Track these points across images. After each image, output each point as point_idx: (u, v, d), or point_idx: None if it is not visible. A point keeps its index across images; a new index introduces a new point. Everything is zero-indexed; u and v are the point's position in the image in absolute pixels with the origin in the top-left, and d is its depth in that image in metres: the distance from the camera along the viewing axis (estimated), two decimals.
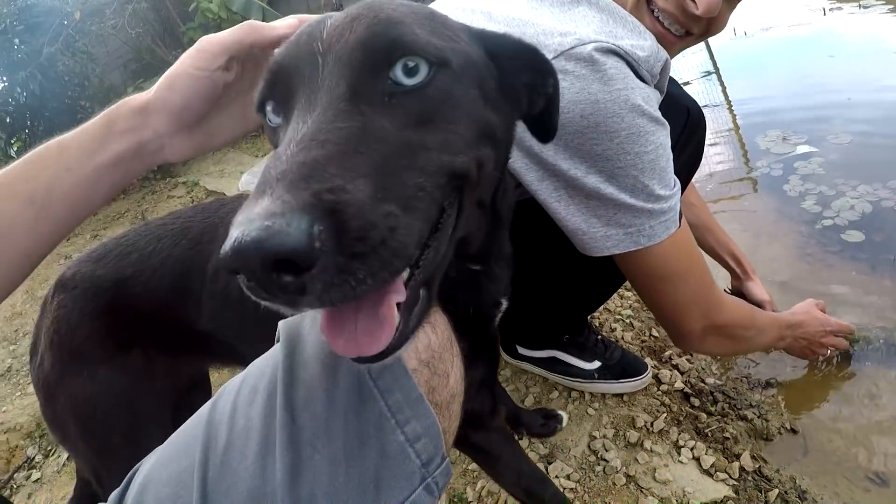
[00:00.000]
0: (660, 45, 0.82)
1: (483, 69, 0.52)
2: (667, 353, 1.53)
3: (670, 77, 0.91)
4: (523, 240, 0.78)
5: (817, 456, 1.35)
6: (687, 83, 2.99)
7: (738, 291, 1.50)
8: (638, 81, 0.77)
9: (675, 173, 0.85)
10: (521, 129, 0.69)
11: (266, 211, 0.34)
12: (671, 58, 0.88)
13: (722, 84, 3.01)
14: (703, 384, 1.47)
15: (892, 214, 1.88)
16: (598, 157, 0.77)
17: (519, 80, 0.57)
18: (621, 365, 1.34)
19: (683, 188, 0.99)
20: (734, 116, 2.68)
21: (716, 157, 2.39)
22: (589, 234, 0.83)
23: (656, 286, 0.90)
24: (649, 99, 0.77)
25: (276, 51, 0.51)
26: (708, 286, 0.92)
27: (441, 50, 0.47)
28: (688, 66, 3.23)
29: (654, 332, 1.59)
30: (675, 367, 1.51)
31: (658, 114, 0.78)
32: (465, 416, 0.86)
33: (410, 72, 0.45)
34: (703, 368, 1.54)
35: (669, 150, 0.81)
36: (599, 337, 1.35)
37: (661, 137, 0.78)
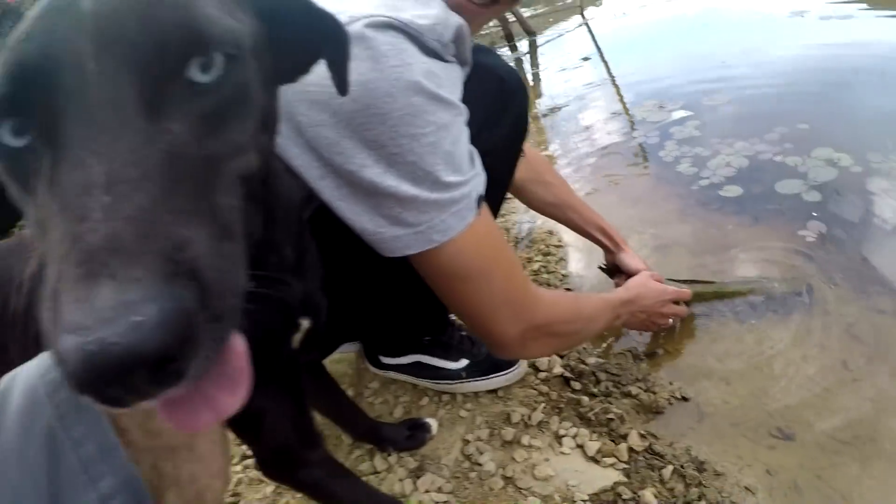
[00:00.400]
0: (450, 12, 0.84)
1: (261, 43, 0.49)
2: None
3: (484, 47, 0.95)
4: (339, 244, 0.82)
5: (713, 420, 1.42)
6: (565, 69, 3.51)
7: (613, 265, 1.58)
8: (420, 56, 0.77)
9: (496, 148, 0.89)
10: (303, 115, 0.74)
11: (120, 301, 0.29)
12: (481, 26, 0.91)
13: (605, 62, 3.49)
14: (583, 365, 1.50)
15: (771, 165, 2.09)
16: (372, 144, 0.77)
17: (292, 45, 0.55)
18: (491, 359, 1.37)
19: (511, 163, 1.08)
20: (618, 90, 3.10)
21: (608, 133, 2.69)
22: (378, 234, 0.83)
23: (458, 288, 0.88)
24: (433, 74, 0.78)
25: (10, 38, 0.39)
26: (519, 284, 0.93)
27: (236, 34, 0.43)
28: (572, 50, 3.85)
29: None
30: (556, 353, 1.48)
31: (443, 91, 0.78)
32: (273, 454, 0.84)
33: (206, 66, 0.41)
34: (584, 349, 1.58)
35: (460, 131, 0.83)
36: (464, 333, 1.39)
37: (444, 116, 0.79)
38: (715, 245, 1.83)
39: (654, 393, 1.47)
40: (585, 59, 3.63)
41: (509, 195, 1.34)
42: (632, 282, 1.38)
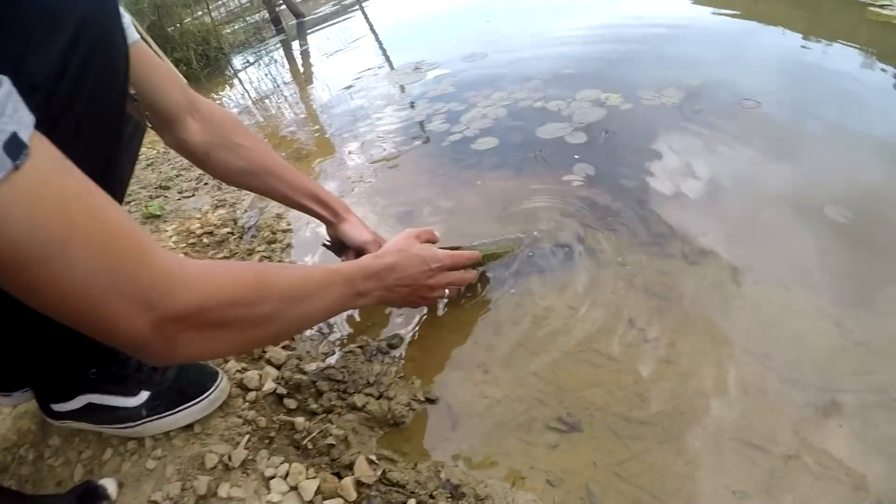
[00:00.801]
0: None
1: None
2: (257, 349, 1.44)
3: None
4: None
5: (471, 424, 1.26)
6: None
7: (338, 240, 1.50)
8: None
9: (71, 93, 0.80)
10: None
11: None
12: None
13: (383, 49, 3.74)
14: (301, 376, 1.34)
15: (531, 112, 2.14)
16: None
17: None
18: (178, 387, 1.21)
19: (105, 112, 0.96)
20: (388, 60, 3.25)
21: (381, 112, 2.70)
22: None
23: (27, 279, 0.71)
24: None
25: None
26: (128, 254, 0.75)
27: None
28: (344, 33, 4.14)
29: None
30: (269, 361, 1.41)
31: None
32: None
33: None
34: (307, 353, 1.46)
35: None
36: None
37: None
38: (469, 204, 1.79)
39: (389, 399, 1.31)
40: (357, 40, 3.83)
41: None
42: (389, 246, 1.27)
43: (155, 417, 1.19)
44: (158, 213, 2.29)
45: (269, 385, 1.30)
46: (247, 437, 1.18)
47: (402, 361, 1.37)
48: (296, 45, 4.35)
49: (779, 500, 0.96)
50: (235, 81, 4.33)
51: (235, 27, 6.12)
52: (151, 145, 3.08)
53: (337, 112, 2.77)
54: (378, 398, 1.30)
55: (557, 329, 1.39)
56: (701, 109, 2.04)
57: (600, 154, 1.83)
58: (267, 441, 1.19)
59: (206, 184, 2.57)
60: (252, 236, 1.98)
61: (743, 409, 1.09)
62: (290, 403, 1.28)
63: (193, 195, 2.50)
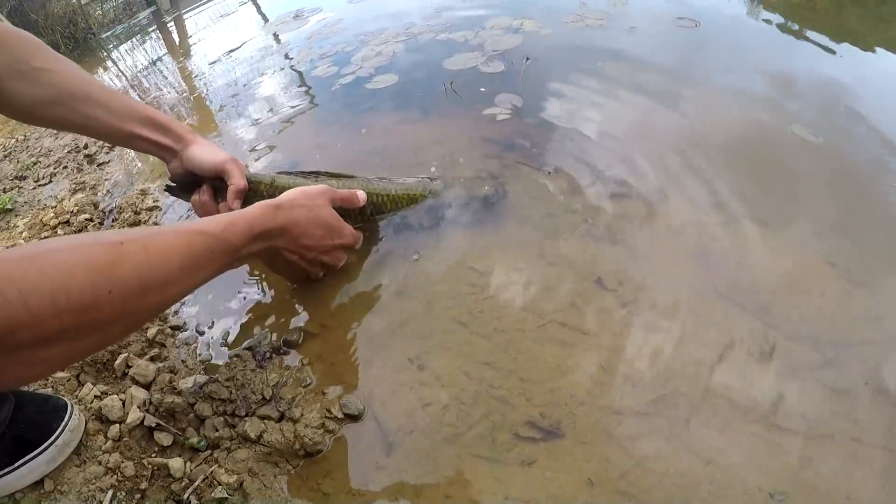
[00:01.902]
0: None
1: None
2: (118, 361, 1.07)
3: None
4: None
5: (413, 443, 0.85)
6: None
7: (185, 173, 1.11)
8: None
9: None
10: None
11: None
12: None
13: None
14: (175, 397, 0.96)
15: (433, 45, 1.81)
16: None
17: None
18: (14, 432, 0.88)
19: None
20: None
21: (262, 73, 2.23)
22: None
23: None
24: None
25: None
26: None
27: None
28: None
29: None
30: (134, 379, 1.03)
31: None
32: None
33: None
34: (181, 362, 1.07)
35: None
36: None
37: None
38: (369, 154, 1.42)
39: (294, 420, 0.90)
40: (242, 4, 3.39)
41: None
42: (293, 196, 0.97)
43: None
44: (10, 206, 1.83)
45: (135, 414, 0.96)
46: (111, 492, 0.88)
47: (306, 364, 0.99)
48: (169, 16, 3.89)
49: (817, 492, 0.72)
50: (109, 63, 3.65)
51: (104, 5, 5.30)
52: (10, 134, 2.55)
53: (218, 81, 2.33)
54: (279, 420, 0.90)
55: (506, 299, 1.00)
56: (634, 28, 1.60)
57: (524, 83, 1.51)
58: (138, 496, 0.88)
59: (64, 167, 2.09)
60: (113, 220, 1.59)
61: (754, 383, 0.83)
62: (164, 439, 0.95)
63: (50, 181, 2.01)
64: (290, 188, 1.03)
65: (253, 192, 1.07)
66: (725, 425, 0.79)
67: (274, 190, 1.07)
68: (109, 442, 0.92)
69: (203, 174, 1.08)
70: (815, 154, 1.20)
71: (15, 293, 0.57)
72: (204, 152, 1.08)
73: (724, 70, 1.48)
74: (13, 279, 0.58)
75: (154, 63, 2.99)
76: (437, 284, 1.04)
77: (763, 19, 1.78)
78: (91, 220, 1.64)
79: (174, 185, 1.14)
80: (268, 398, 0.92)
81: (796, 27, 1.73)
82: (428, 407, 0.87)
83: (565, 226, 1.10)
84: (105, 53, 3.74)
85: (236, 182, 1.05)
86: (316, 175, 1.12)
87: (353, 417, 0.88)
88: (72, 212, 1.66)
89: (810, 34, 1.65)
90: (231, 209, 1.05)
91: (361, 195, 1.08)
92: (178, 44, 3.26)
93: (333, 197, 1.02)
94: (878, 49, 1.58)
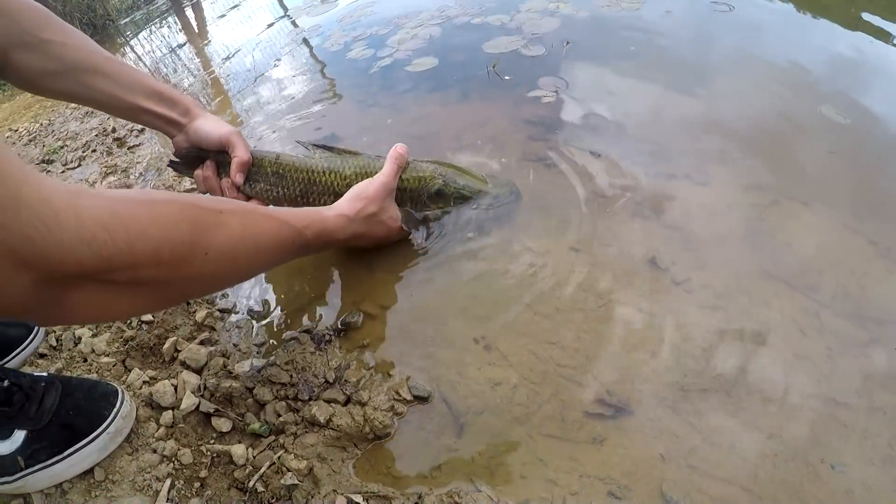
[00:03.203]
0: None
1: None
2: (166, 346, 1.04)
3: None
4: None
5: (483, 424, 0.83)
6: None
7: (190, 149, 1.10)
8: None
9: None
10: None
11: None
12: None
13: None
14: (231, 382, 0.93)
15: (470, 28, 1.77)
16: None
17: None
18: (63, 420, 0.84)
19: None
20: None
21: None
22: None
23: None
24: None
25: None
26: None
27: None
28: None
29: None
30: (184, 364, 1.00)
31: None
32: None
33: None
34: (234, 346, 1.04)
35: None
36: (12, 382, 0.84)
37: None
38: (411, 136, 1.38)
39: (363, 404, 0.88)
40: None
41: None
42: (357, 203, 0.99)
43: (39, 467, 0.84)
44: None
45: (189, 400, 0.92)
46: (169, 480, 0.84)
47: (368, 346, 0.97)
48: (188, 1, 3.87)
49: (874, 464, 0.72)
50: (127, 49, 3.59)
51: None
52: (34, 118, 2.51)
53: (240, 65, 2.25)
54: (345, 404, 0.88)
55: (565, 279, 0.99)
56: (670, 12, 1.57)
57: (567, 66, 1.49)
58: (198, 484, 0.84)
59: (93, 150, 2.06)
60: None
61: (808, 358, 0.83)
62: (222, 425, 0.91)
63: (80, 165, 1.97)
64: (293, 166, 1.08)
65: (257, 167, 1.08)
66: (784, 400, 0.79)
67: (278, 167, 1.08)
68: (162, 429, 0.90)
69: (208, 147, 1.08)
70: (847, 135, 1.19)
71: (122, 234, 0.58)
72: (209, 125, 1.07)
73: (759, 53, 1.46)
74: (122, 220, 0.59)
75: (173, 49, 2.95)
76: (494, 264, 1.03)
77: (797, 2, 1.75)
78: None
79: (178, 160, 1.13)
80: (331, 381, 0.90)
81: (835, 9, 1.70)
82: (497, 387, 0.85)
83: (614, 206, 1.09)
84: (123, 39, 3.69)
85: (240, 154, 1.06)
86: (322, 148, 1.12)
87: (423, 399, 0.86)
88: None
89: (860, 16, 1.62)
90: (234, 182, 1.07)
91: (401, 150, 1.07)
92: (197, 30, 3.21)
93: (391, 184, 1.04)
94: None
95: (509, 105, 1.38)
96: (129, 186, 1.66)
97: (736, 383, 0.81)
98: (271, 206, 1.10)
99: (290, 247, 0.85)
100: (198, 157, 1.10)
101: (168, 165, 1.17)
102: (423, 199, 1.09)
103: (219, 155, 1.08)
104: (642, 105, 1.32)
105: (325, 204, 1.03)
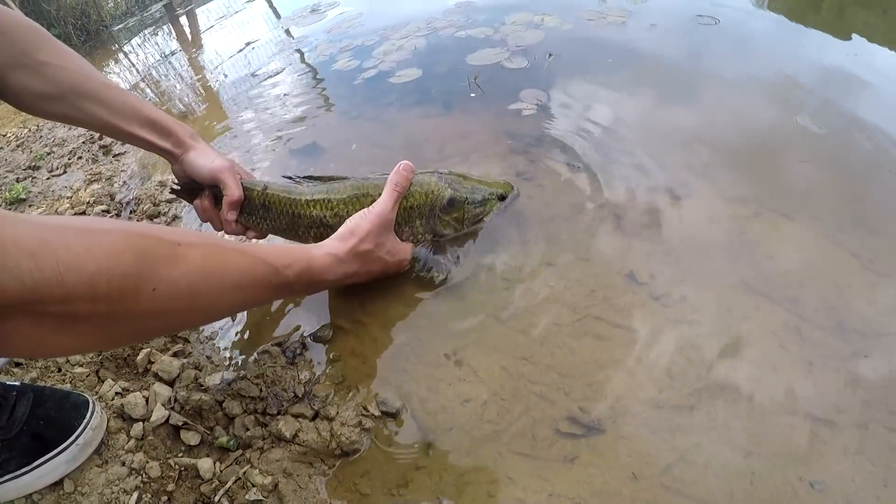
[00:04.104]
0: None
1: None
2: (140, 357, 1.03)
3: None
4: None
5: (452, 441, 0.81)
6: None
7: (187, 179, 1.07)
8: None
9: None
10: None
11: None
12: None
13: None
14: (201, 394, 0.91)
15: (454, 40, 1.76)
16: None
17: None
18: (33, 429, 0.83)
19: None
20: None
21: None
22: None
23: None
24: None
25: None
26: None
27: None
28: None
29: None
30: (157, 376, 0.99)
31: None
32: None
33: None
34: (206, 359, 1.03)
35: None
36: None
37: None
38: (394, 148, 1.37)
39: (330, 419, 0.86)
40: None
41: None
42: (350, 241, 0.91)
43: (8, 478, 0.82)
44: (23, 196, 1.78)
45: (159, 412, 0.91)
46: (136, 494, 0.82)
47: (339, 360, 0.96)
48: (182, 9, 3.81)
49: (854, 481, 0.70)
50: (120, 55, 3.57)
51: None
52: (23, 124, 2.50)
53: (232, 74, 2.26)
54: (313, 419, 0.86)
55: (540, 293, 0.97)
56: (654, 25, 1.56)
57: (548, 78, 1.47)
58: (165, 498, 0.83)
59: (79, 158, 2.05)
60: (131, 211, 1.53)
61: (788, 373, 0.81)
62: (191, 438, 0.89)
63: (65, 172, 1.95)
64: (281, 196, 1.02)
65: (247, 199, 1.03)
66: (762, 417, 0.77)
67: (265, 198, 1.02)
68: (133, 441, 0.87)
69: (201, 181, 1.04)
70: (826, 146, 1.18)
71: (51, 263, 0.52)
72: (200, 160, 1.03)
73: (743, 66, 1.45)
74: (52, 247, 0.52)
75: (166, 56, 2.93)
76: (468, 279, 1.01)
77: (783, 15, 1.74)
78: (108, 210, 1.59)
79: (178, 187, 1.11)
80: (300, 396, 0.88)
81: (825, 22, 1.69)
82: (467, 403, 0.83)
83: (593, 220, 1.07)
84: (117, 46, 3.67)
85: (230, 194, 1.01)
86: (308, 179, 1.05)
87: (391, 415, 0.84)
88: (88, 202, 1.60)
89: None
90: (227, 219, 1.03)
91: (404, 173, 0.98)
92: (190, 38, 3.20)
93: (388, 216, 0.95)
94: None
95: (490, 117, 1.37)
96: (112, 195, 1.64)
97: (712, 399, 0.79)
98: (256, 241, 1.09)
99: (265, 286, 0.78)
100: (197, 186, 1.07)
101: (170, 192, 1.17)
102: (434, 213, 1.01)
103: (214, 187, 1.04)
104: (624, 118, 1.30)
105: (316, 237, 0.99)
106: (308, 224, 1.01)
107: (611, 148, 1.23)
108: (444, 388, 0.85)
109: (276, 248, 0.83)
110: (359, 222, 0.91)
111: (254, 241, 1.07)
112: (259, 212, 1.03)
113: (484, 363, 0.87)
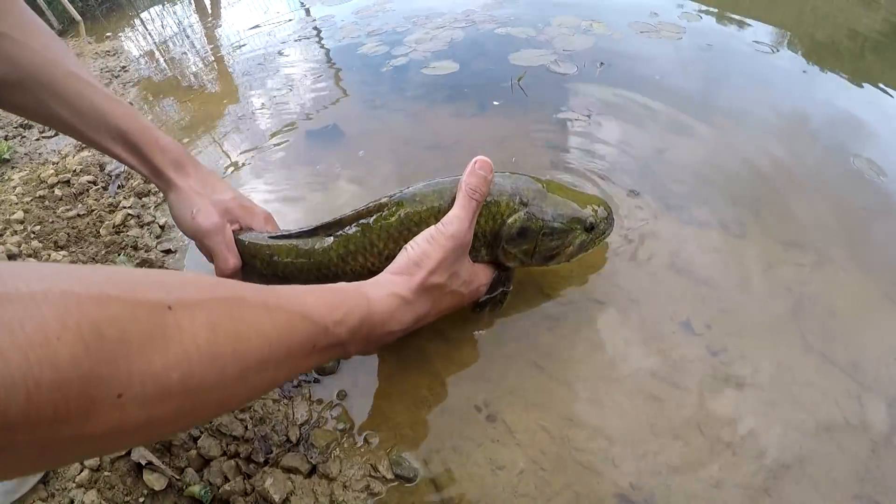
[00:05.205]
0: None
1: None
2: None
3: None
4: None
5: None
6: None
7: (187, 220, 0.80)
8: None
9: None
10: None
11: None
12: None
13: None
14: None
15: (494, 37, 1.59)
16: None
17: None
18: None
19: None
20: None
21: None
22: None
23: None
24: None
25: None
26: None
27: None
28: None
29: None
30: None
31: None
32: None
33: None
34: None
35: None
36: None
37: None
38: (427, 152, 1.19)
39: (332, 478, 0.68)
40: None
41: None
42: (418, 277, 0.66)
43: None
44: (7, 156, 1.60)
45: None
46: None
47: (345, 399, 0.78)
48: None
49: None
50: (136, 22, 3.38)
51: None
52: None
53: (249, 50, 2.08)
54: (309, 475, 0.69)
55: (588, 338, 0.81)
56: (711, 45, 1.40)
57: (600, 89, 1.31)
58: None
59: None
60: (119, 186, 1.36)
61: (854, 454, 0.67)
62: (155, 481, 0.70)
63: (56, 134, 1.77)
64: (292, 264, 0.77)
65: (249, 263, 0.80)
66: (830, 500, 0.63)
67: (272, 267, 0.79)
68: (86, 472, 0.70)
69: (191, 235, 0.80)
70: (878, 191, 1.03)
71: None
72: (181, 210, 0.78)
73: (799, 97, 1.29)
74: None
75: (182, 26, 2.75)
76: (505, 314, 0.83)
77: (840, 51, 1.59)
78: (94, 182, 1.41)
79: None
80: (294, 441, 0.71)
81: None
82: (500, 471, 0.67)
83: (646, 253, 0.91)
84: (134, 12, 3.48)
85: (220, 266, 0.78)
86: (332, 227, 0.76)
87: (407, 479, 0.68)
88: (74, 171, 1.43)
89: None
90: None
91: (481, 173, 0.71)
92: (210, 10, 3.02)
93: (466, 235, 0.69)
94: None
95: (532, 124, 1.21)
96: (102, 166, 1.46)
97: (777, 480, 0.65)
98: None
99: (305, 352, 0.52)
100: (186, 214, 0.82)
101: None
102: (498, 243, 0.75)
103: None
104: (684, 142, 1.15)
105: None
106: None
107: (665, 174, 1.08)
108: (473, 450, 0.68)
109: (323, 293, 0.57)
110: (425, 249, 0.66)
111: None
112: (271, 280, 0.79)
113: (522, 421, 0.71)
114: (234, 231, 0.81)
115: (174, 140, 0.79)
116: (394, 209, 0.72)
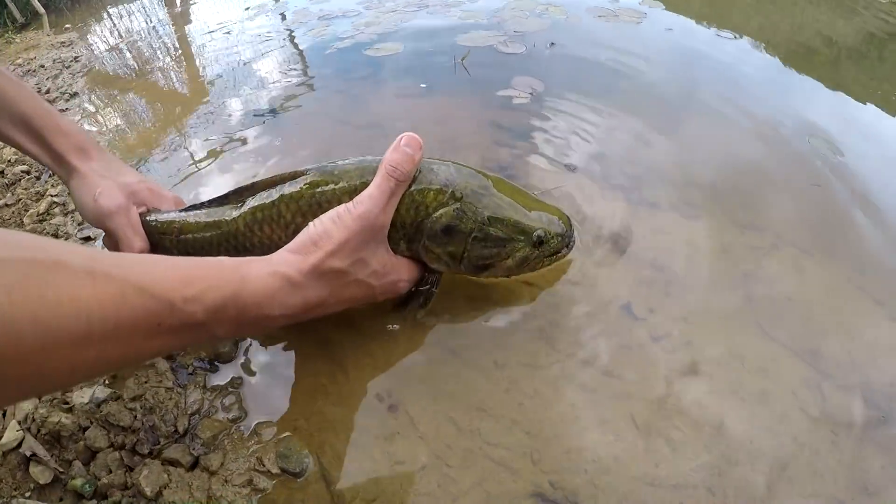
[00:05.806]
0: None
1: None
2: None
3: None
4: None
5: None
6: None
7: (89, 204, 0.72)
8: None
9: None
10: None
11: None
12: None
13: None
14: (64, 416, 0.68)
15: (445, 20, 1.55)
16: None
17: None
18: None
19: None
20: None
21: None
22: None
23: None
24: None
25: None
26: None
27: None
28: None
29: None
30: None
31: None
32: None
33: None
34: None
35: None
36: None
37: None
38: (362, 131, 1.11)
39: (213, 472, 0.61)
40: None
41: None
42: (317, 253, 0.57)
43: None
44: None
45: (12, 433, 0.68)
46: None
47: (239, 387, 0.70)
48: None
49: None
50: (104, 15, 3.27)
51: None
52: None
53: (193, 27, 2.05)
54: (190, 468, 0.62)
55: (510, 323, 0.74)
56: (671, 30, 1.34)
57: (547, 68, 1.26)
58: None
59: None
60: (50, 174, 1.28)
61: (813, 447, 0.60)
62: (41, 474, 0.65)
63: None
64: (201, 238, 0.70)
65: (155, 245, 0.73)
66: (778, 498, 0.56)
67: (182, 244, 0.71)
68: None
69: (93, 223, 0.73)
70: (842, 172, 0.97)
71: None
72: (82, 194, 0.71)
73: (756, 83, 1.24)
74: None
75: (150, 21, 2.67)
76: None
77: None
78: (28, 172, 1.34)
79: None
80: (182, 432, 0.63)
81: None
82: (399, 466, 0.59)
83: (582, 234, 0.84)
84: (100, 3, 3.39)
85: (125, 250, 0.70)
86: (244, 193, 0.68)
87: (294, 474, 0.60)
88: (9, 161, 1.36)
89: None
90: None
91: (408, 150, 0.61)
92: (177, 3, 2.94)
93: (379, 217, 0.60)
94: None
95: (476, 103, 1.14)
96: None
97: (721, 477, 0.58)
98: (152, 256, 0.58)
99: (147, 332, 0.44)
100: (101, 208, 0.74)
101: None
102: (420, 238, 0.65)
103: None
104: (629, 123, 1.08)
105: None
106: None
107: (610, 152, 1.01)
108: (371, 442, 0.61)
109: (181, 265, 0.49)
110: (328, 228, 0.57)
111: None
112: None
113: (428, 411, 0.63)
114: (140, 214, 0.73)
115: (78, 125, 0.71)
116: (308, 180, 0.64)
